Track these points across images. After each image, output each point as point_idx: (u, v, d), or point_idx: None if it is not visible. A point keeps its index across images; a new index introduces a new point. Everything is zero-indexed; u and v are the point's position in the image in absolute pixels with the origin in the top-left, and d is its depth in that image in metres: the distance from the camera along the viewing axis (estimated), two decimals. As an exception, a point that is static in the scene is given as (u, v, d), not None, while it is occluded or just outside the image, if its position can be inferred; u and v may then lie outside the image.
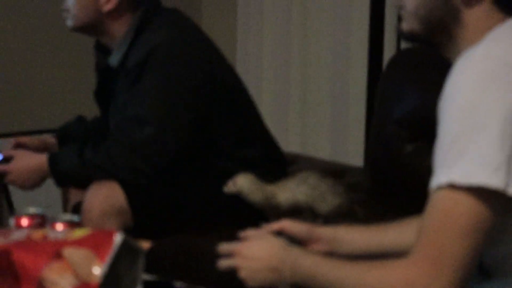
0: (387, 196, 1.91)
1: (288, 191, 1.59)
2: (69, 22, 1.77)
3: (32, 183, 1.77)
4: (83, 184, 1.70)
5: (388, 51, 2.34)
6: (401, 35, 1.07)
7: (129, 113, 1.69)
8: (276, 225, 1.16)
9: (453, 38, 0.98)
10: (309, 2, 2.67)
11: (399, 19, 1.02)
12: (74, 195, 2.00)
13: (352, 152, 2.48)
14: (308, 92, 2.64)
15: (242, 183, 1.54)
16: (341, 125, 2.55)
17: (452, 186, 0.85)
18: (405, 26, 1.00)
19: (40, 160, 1.74)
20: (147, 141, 1.66)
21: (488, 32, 0.94)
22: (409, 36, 1.03)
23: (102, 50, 1.85)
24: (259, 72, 2.81)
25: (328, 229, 1.21)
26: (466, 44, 0.95)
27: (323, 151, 2.55)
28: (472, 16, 0.96)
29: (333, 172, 1.99)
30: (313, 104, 2.62)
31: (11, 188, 2.27)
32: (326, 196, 1.60)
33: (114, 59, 1.75)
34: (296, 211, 1.57)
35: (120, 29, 1.75)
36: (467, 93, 0.87)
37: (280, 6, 2.74)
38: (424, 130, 1.64)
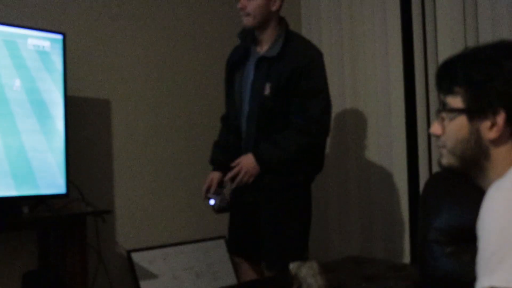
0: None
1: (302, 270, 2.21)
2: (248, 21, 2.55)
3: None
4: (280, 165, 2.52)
5: (423, 175, 3.06)
6: (441, 167, 1.29)
7: (309, 114, 2.51)
8: None
9: (483, 170, 1.21)
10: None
11: (440, 155, 1.28)
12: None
13: (400, 252, 3.25)
14: (367, 212, 3.43)
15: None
16: (392, 232, 3.31)
17: None
18: (444, 161, 1.26)
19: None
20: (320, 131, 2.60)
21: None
22: (448, 169, 1.27)
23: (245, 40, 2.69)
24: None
25: None
26: (495, 175, 1.17)
27: (379, 251, 3.30)
28: (499, 153, 1.18)
29: (393, 267, 2.70)
30: (373, 219, 3.40)
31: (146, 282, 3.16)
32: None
33: (272, 51, 2.53)
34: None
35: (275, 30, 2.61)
36: (500, 219, 1.08)
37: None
38: (458, 236, 2.26)
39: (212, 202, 2.60)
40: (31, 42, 2.60)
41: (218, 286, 2.88)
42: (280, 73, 2.45)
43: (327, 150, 3.38)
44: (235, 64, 2.66)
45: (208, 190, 2.62)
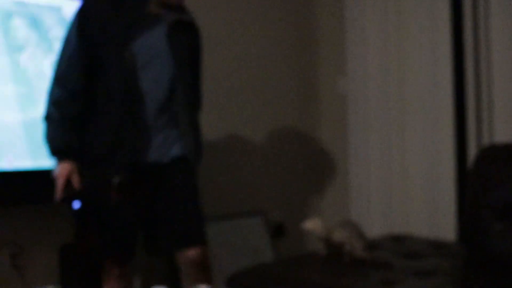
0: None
1: (339, 232, 2.35)
2: None
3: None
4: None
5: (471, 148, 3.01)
6: None
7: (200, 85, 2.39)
8: None
9: None
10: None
11: None
12: None
13: (444, 229, 3.13)
14: (407, 184, 3.36)
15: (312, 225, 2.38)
16: (436, 208, 3.21)
17: None
18: None
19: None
20: None
21: None
22: None
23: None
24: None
25: None
26: None
27: (421, 228, 3.22)
28: None
29: (436, 245, 2.65)
30: (412, 193, 3.33)
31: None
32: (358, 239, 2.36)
33: (187, 17, 2.27)
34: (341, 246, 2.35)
35: None
36: None
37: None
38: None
39: (77, 204, 2.16)
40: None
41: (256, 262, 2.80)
42: (195, 39, 2.31)
43: (369, 123, 3.47)
44: (130, 27, 2.19)
45: (66, 187, 2.14)
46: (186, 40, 2.24)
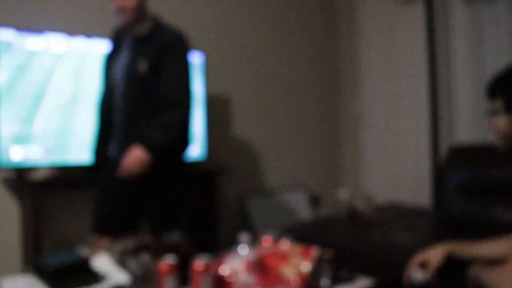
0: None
1: (357, 200, 2.59)
2: None
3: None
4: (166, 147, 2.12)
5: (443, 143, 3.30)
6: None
7: (178, 84, 2.17)
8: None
9: None
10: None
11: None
12: None
13: (423, 199, 3.44)
14: (400, 168, 3.64)
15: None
16: (418, 185, 3.54)
17: None
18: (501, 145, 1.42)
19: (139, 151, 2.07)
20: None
21: None
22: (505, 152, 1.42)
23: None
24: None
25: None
26: None
27: (408, 197, 3.52)
28: None
29: (418, 210, 2.91)
30: (404, 174, 3.60)
31: (253, 215, 3.13)
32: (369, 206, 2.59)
33: (145, 30, 2.24)
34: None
35: None
36: None
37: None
38: (470, 190, 2.45)
39: None
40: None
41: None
42: (152, 49, 2.18)
43: (375, 133, 3.74)
44: (110, 52, 2.36)
45: None
46: (148, 53, 2.18)
